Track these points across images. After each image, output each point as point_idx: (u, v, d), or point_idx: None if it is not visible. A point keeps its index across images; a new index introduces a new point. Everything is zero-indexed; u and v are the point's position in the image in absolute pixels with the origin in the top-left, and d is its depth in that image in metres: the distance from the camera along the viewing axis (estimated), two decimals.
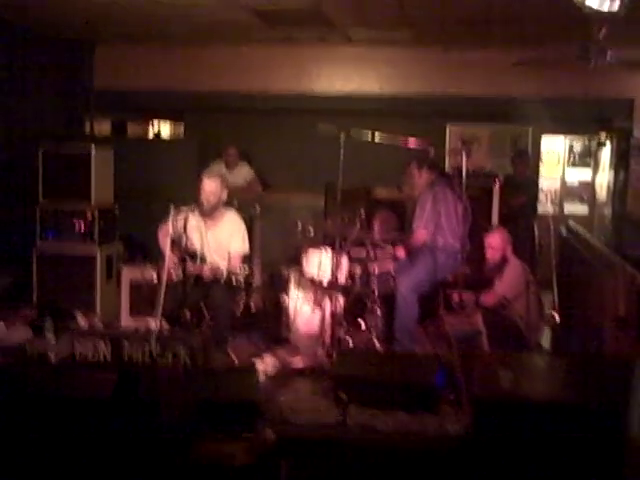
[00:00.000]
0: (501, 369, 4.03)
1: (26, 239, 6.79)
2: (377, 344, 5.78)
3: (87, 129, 8.79)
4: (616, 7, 4.25)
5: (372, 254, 5.94)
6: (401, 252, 6.14)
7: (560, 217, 9.47)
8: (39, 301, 6.56)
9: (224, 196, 5.76)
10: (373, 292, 5.88)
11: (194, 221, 5.61)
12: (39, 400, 3.98)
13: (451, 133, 8.80)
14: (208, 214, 5.69)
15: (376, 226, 6.41)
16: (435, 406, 4.71)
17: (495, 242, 5.73)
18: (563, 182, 10.68)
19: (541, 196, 9.97)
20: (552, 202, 10.57)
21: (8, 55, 7.16)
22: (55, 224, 6.67)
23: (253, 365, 5.24)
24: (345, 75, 8.45)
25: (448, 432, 4.48)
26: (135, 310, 6.51)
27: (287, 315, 6.18)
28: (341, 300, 5.94)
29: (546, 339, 5.57)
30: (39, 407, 3.95)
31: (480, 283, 5.81)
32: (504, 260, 5.70)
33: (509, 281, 5.64)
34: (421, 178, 6.08)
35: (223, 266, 5.42)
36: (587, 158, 10.38)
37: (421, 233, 5.92)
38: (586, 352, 5.17)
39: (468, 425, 4.35)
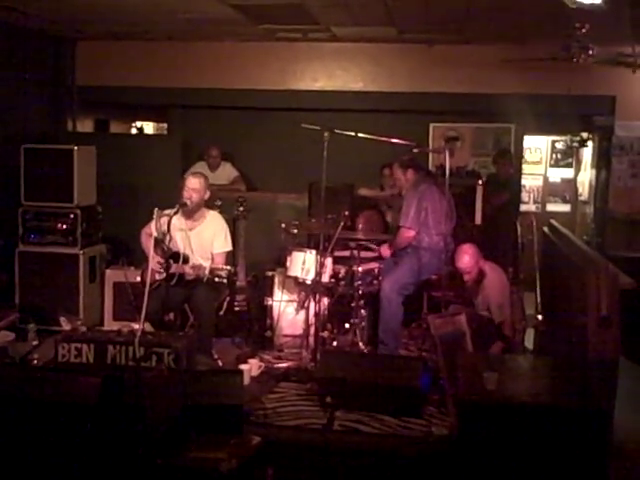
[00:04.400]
0: (485, 370, 4.04)
1: (8, 240, 6.72)
2: (362, 346, 5.79)
3: (70, 127, 8.73)
4: (599, 1, 4.27)
5: (356, 254, 5.93)
6: (386, 251, 6.15)
7: (542, 215, 9.53)
8: (22, 303, 6.50)
9: (207, 195, 5.74)
10: (357, 292, 5.87)
11: (177, 221, 5.58)
12: (21, 404, 3.95)
13: (434, 131, 8.81)
14: (191, 214, 5.66)
15: (360, 225, 6.41)
16: (420, 408, 4.73)
17: (467, 265, 5.67)
18: (545, 180, 10.74)
19: (524, 194, 10.03)
20: (535, 200, 10.63)
21: None
22: (37, 225, 6.60)
23: (238, 368, 5.23)
24: (329, 72, 8.46)
25: (433, 434, 4.50)
26: (119, 312, 6.48)
27: (271, 316, 6.19)
28: (325, 301, 5.94)
29: (529, 339, 5.59)
30: (21, 411, 3.92)
31: (463, 299, 5.83)
32: (481, 274, 5.69)
33: (490, 292, 5.65)
34: (406, 178, 6.07)
35: (206, 266, 5.40)
36: (569, 158, 10.44)
37: (407, 232, 5.91)
38: (569, 352, 5.19)
39: (453, 427, 4.37)
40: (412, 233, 5.89)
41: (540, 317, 5.19)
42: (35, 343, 5.95)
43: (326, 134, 5.56)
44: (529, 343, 5.60)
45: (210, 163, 8.09)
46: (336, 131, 5.63)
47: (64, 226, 6.58)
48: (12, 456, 3.80)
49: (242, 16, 6.76)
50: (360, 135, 5.80)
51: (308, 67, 8.46)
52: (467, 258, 5.66)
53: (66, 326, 6.26)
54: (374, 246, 6.27)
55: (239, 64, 8.45)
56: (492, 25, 6.99)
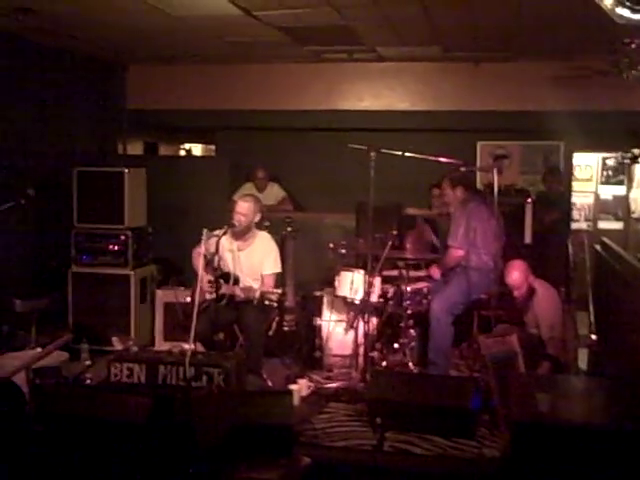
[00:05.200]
0: (538, 391, 3.98)
1: (61, 261, 6.85)
2: (411, 366, 5.75)
3: (120, 150, 8.89)
4: None
5: (405, 274, 5.90)
6: (436, 272, 6.10)
7: (594, 233, 9.38)
8: (74, 324, 6.60)
9: (258, 218, 5.78)
10: (406, 312, 5.84)
11: (227, 242, 5.64)
12: (74, 422, 4.01)
13: (482, 149, 8.76)
14: (240, 235, 5.71)
15: (408, 245, 6.37)
16: (471, 429, 4.67)
17: (516, 281, 5.60)
18: (597, 198, 10.58)
19: (575, 212, 9.89)
20: (586, 218, 10.47)
21: (42, 78, 7.28)
22: (89, 247, 6.71)
23: (287, 388, 5.23)
24: (375, 92, 8.49)
25: (485, 455, 4.43)
26: (169, 333, 6.54)
27: (320, 337, 6.18)
28: (374, 321, 5.91)
29: (583, 359, 5.49)
30: (74, 430, 3.98)
31: (513, 318, 5.75)
32: (531, 291, 5.61)
33: (541, 310, 5.56)
34: (455, 196, 6.03)
35: (256, 287, 5.43)
36: (621, 174, 10.27)
37: (456, 252, 5.86)
38: (624, 372, 5.08)
39: (505, 448, 4.30)
40: (461, 253, 5.84)
41: (594, 337, 5.09)
42: (88, 363, 6.03)
43: (372, 154, 5.57)
44: (583, 363, 5.49)
45: (257, 184, 8.17)
46: (382, 151, 5.63)
47: (115, 247, 6.68)
48: (64, 474, 3.84)
49: (288, 38, 6.84)
50: (407, 154, 5.79)
51: (354, 87, 8.51)
52: (517, 274, 5.60)
53: (118, 346, 6.34)
54: (422, 265, 6.23)
55: (285, 85, 8.53)
56: (539, 42, 6.95)
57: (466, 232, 5.81)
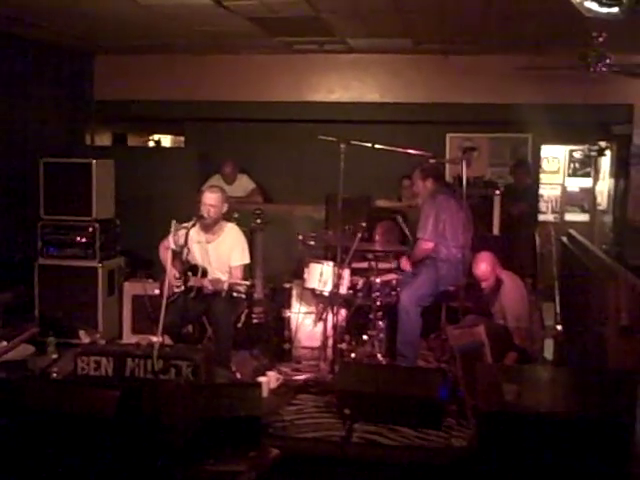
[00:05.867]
0: (504, 381, 4.01)
1: (27, 254, 6.77)
2: (380, 357, 5.77)
3: (88, 141, 8.80)
4: (615, 10, 4.24)
5: (374, 266, 5.92)
6: (406, 264, 6.09)
7: (561, 225, 9.48)
8: (41, 317, 6.52)
9: (225, 209, 5.75)
10: (375, 304, 5.86)
11: (195, 234, 5.61)
12: (41, 416, 3.97)
13: (451, 142, 8.80)
14: (209, 227, 5.68)
15: (377, 237, 6.39)
16: (439, 420, 4.70)
17: (484, 273, 5.59)
18: (564, 190, 10.68)
19: (542, 204, 9.98)
20: (553, 210, 10.57)
21: (8, 66, 7.18)
22: (56, 238, 6.63)
23: (256, 380, 5.23)
24: (345, 84, 8.49)
25: (452, 445, 4.47)
26: (137, 325, 6.50)
27: (289, 329, 6.18)
28: (343, 313, 5.93)
29: (549, 349, 5.55)
30: (41, 424, 3.94)
31: (481, 310, 5.79)
32: (498, 283, 5.64)
33: (507, 301, 5.60)
34: (425, 187, 6.05)
35: (224, 279, 5.41)
36: (587, 167, 10.38)
37: (425, 244, 5.87)
38: (589, 362, 5.15)
39: (472, 438, 4.34)
40: (430, 245, 5.86)
41: (559, 327, 5.16)
42: (54, 356, 5.97)
43: (342, 145, 5.57)
44: (548, 354, 5.56)
45: (225, 179, 8.11)
46: (352, 142, 5.64)
47: (83, 239, 6.61)
48: (31, 468, 3.81)
49: (259, 29, 6.81)
50: (377, 146, 5.80)
51: (324, 79, 8.50)
52: (484, 265, 5.63)
53: (85, 339, 6.29)
54: (392, 257, 6.24)
55: (255, 76, 8.50)
56: (508, 35, 6.99)
57: (435, 224, 5.83)
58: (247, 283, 5.43)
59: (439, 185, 6.13)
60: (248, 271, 5.91)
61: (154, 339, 4.91)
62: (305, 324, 6.18)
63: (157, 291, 5.58)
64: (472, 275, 5.68)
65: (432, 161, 6.35)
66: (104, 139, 9.94)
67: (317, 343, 6.03)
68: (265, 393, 5.04)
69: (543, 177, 10.00)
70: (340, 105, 8.46)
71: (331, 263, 5.82)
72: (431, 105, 8.30)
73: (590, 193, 10.13)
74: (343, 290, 5.80)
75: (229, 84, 8.54)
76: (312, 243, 6.31)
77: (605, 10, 4.29)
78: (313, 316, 6.19)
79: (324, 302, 6.00)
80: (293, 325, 6.19)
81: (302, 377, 5.68)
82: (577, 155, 10.53)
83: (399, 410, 4.71)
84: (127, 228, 7.05)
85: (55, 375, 5.52)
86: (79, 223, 6.62)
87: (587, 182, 10.45)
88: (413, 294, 5.79)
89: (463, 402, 4.85)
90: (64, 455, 3.83)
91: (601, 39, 5.77)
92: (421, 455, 4.40)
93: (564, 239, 6.89)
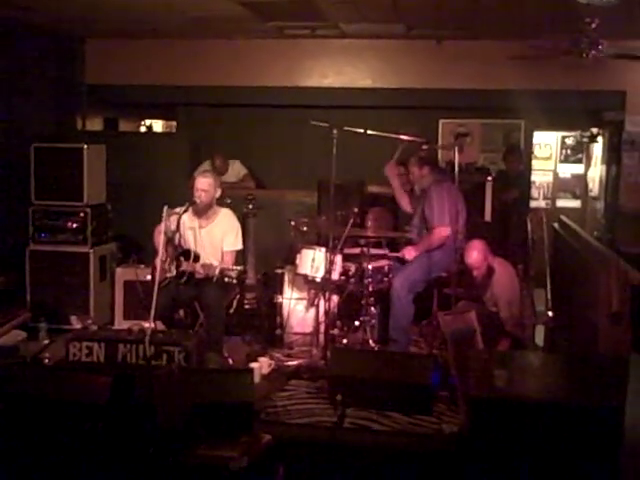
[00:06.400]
0: (495, 367, 4.03)
1: (19, 239, 6.74)
2: (372, 343, 5.79)
3: (79, 126, 8.75)
4: None
5: (366, 251, 5.91)
6: (411, 253, 5.92)
7: (553, 211, 9.51)
8: (32, 302, 6.52)
9: (218, 194, 5.74)
10: (367, 290, 5.86)
11: (188, 219, 5.60)
12: (33, 402, 3.97)
13: (443, 127, 8.80)
14: (202, 212, 5.67)
15: (370, 223, 6.39)
16: (430, 405, 4.72)
17: (475, 261, 5.60)
18: (555, 176, 10.71)
19: (533, 191, 10.00)
20: (545, 196, 10.60)
21: None
22: (48, 224, 6.61)
23: (248, 366, 5.24)
24: (337, 69, 8.45)
25: (444, 431, 4.49)
26: (129, 311, 6.49)
27: (281, 314, 6.19)
28: (335, 299, 5.93)
29: (540, 336, 5.57)
30: (33, 409, 3.95)
31: (473, 296, 5.80)
32: (490, 271, 5.65)
33: (499, 288, 5.61)
34: (421, 176, 6.02)
35: (216, 264, 5.40)
36: (579, 153, 10.41)
37: (445, 231, 5.76)
38: (580, 349, 5.18)
39: (463, 424, 4.36)
40: (448, 231, 5.75)
41: (550, 313, 5.18)
42: (46, 342, 5.97)
43: (335, 131, 5.55)
44: (539, 340, 5.58)
45: (217, 169, 7.95)
46: (345, 128, 5.62)
47: (74, 225, 6.59)
48: (23, 454, 3.82)
49: (250, 13, 6.76)
50: (369, 132, 5.79)
51: (316, 64, 8.46)
52: (476, 254, 5.64)
53: (77, 325, 6.29)
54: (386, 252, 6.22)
55: (247, 61, 8.44)
56: (501, 21, 6.97)
57: (450, 210, 5.77)
58: (239, 268, 5.42)
59: (437, 172, 6.11)
60: (240, 257, 5.90)
61: (146, 325, 4.91)
62: (297, 310, 6.19)
63: (149, 277, 5.56)
64: (464, 262, 5.69)
65: (425, 147, 6.34)
66: (95, 124, 9.90)
67: (309, 329, 6.05)
68: (257, 379, 5.05)
69: (535, 163, 10.03)
70: (332, 90, 8.43)
71: (323, 249, 5.82)
72: (424, 91, 8.27)
73: (582, 179, 10.18)
74: (335, 276, 5.81)
75: (221, 69, 8.49)
76: (304, 229, 6.30)
77: None
78: (305, 302, 6.20)
79: (316, 288, 6.00)
80: (285, 311, 6.19)
81: (294, 363, 5.70)
82: (569, 141, 10.56)
83: (391, 396, 4.73)
84: (119, 213, 7.04)
85: (47, 361, 5.52)
86: (70, 208, 6.61)
87: (579, 168, 10.49)
88: (405, 280, 5.79)
89: (454, 388, 4.87)
90: (56, 441, 3.84)
91: (594, 25, 5.76)
92: (412, 441, 4.42)
93: (556, 225, 6.92)
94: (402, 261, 6.00)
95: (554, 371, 4.43)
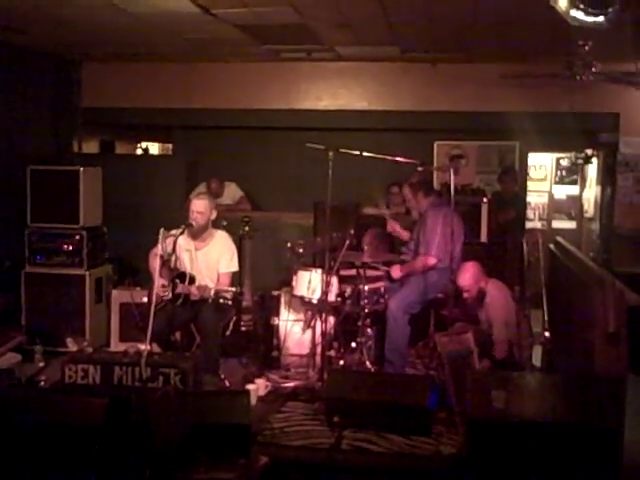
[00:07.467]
0: (493, 388, 4.03)
1: (14, 261, 6.73)
2: (368, 364, 5.77)
3: (75, 148, 8.78)
4: (601, 19, 4.27)
5: (362, 273, 5.91)
6: (397, 272, 5.96)
7: (548, 232, 9.53)
8: (28, 325, 6.49)
9: (214, 216, 5.75)
10: (364, 311, 5.85)
11: (183, 242, 5.60)
12: (28, 425, 3.95)
13: (439, 149, 8.84)
14: (198, 234, 5.68)
15: (365, 245, 6.39)
16: (428, 427, 4.70)
17: (466, 284, 5.61)
18: (551, 197, 10.74)
19: (529, 212, 10.04)
20: (540, 217, 10.63)
21: None
22: (43, 246, 6.61)
23: (245, 388, 5.22)
24: (333, 91, 8.49)
25: (441, 452, 4.47)
26: (125, 333, 6.47)
27: (278, 336, 6.18)
28: (331, 320, 5.92)
29: (537, 356, 5.57)
30: (28, 433, 3.92)
31: (469, 317, 5.79)
32: (481, 294, 5.65)
33: (492, 311, 5.60)
34: (417, 202, 6.02)
35: (212, 287, 5.39)
36: (574, 174, 10.46)
37: (430, 260, 5.76)
38: (577, 369, 5.17)
39: (461, 445, 4.35)
40: (434, 262, 5.75)
41: (547, 334, 5.17)
42: (42, 365, 5.95)
43: (330, 153, 5.57)
44: (537, 360, 5.57)
45: (212, 192, 7.91)
46: (341, 150, 5.64)
47: (70, 247, 6.59)
48: (19, 477, 3.79)
49: (246, 36, 6.81)
50: (365, 154, 5.81)
51: (312, 86, 8.50)
52: (467, 276, 5.63)
53: (72, 347, 6.27)
54: (380, 265, 6.22)
55: (243, 84, 8.49)
56: (495, 43, 7.03)
57: (442, 240, 5.73)
58: (233, 289, 5.42)
59: (434, 197, 6.10)
60: (237, 279, 5.90)
61: (142, 347, 4.90)
62: (294, 331, 6.19)
63: (145, 299, 5.55)
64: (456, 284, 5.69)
65: (420, 169, 6.35)
66: (91, 147, 9.92)
67: (306, 350, 6.03)
68: (254, 401, 5.05)
69: (530, 184, 10.06)
70: (328, 113, 8.47)
71: (319, 270, 5.82)
72: (419, 113, 8.31)
73: (577, 200, 10.21)
74: (331, 297, 5.80)
75: (217, 92, 8.53)
76: (300, 250, 6.31)
77: (591, 19, 4.33)
78: (302, 323, 6.19)
79: (312, 309, 6.00)
80: (282, 332, 6.18)
81: (291, 384, 5.68)
82: (564, 163, 10.61)
83: (388, 417, 4.71)
84: (115, 236, 7.04)
85: (42, 383, 5.50)
86: (66, 231, 6.61)
87: (574, 190, 10.54)
88: (401, 302, 5.78)
89: (452, 409, 4.85)
90: (52, 464, 3.81)
91: (587, 47, 5.80)
92: (410, 462, 4.40)
93: (551, 246, 6.93)
94: (394, 280, 6.02)
95: (552, 392, 4.42)
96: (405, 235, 6.33)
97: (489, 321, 5.63)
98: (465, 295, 5.64)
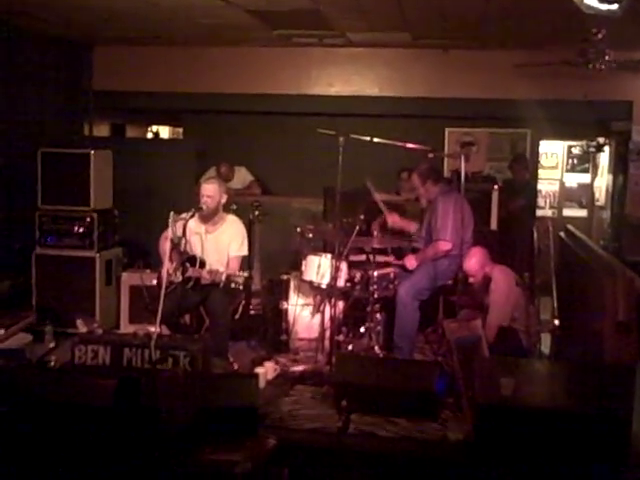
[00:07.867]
0: (501, 375, 4.03)
1: (25, 243, 6.76)
2: (377, 349, 5.78)
3: (86, 131, 8.79)
4: (615, 7, 4.24)
5: (372, 259, 5.91)
6: (412, 262, 5.92)
7: (559, 220, 9.51)
8: (38, 306, 6.52)
9: (224, 200, 5.75)
10: (373, 297, 5.85)
11: (194, 225, 5.61)
12: (38, 405, 3.98)
13: (450, 136, 8.81)
14: (208, 218, 5.68)
15: (375, 231, 6.39)
16: (436, 412, 4.72)
17: (472, 268, 5.61)
18: (562, 185, 10.70)
19: (540, 199, 10.01)
20: (551, 205, 10.60)
21: (7, 57, 7.17)
22: (54, 228, 6.63)
23: (253, 371, 5.24)
24: (344, 77, 8.48)
25: (449, 438, 4.48)
26: (135, 315, 6.50)
27: (287, 320, 6.19)
28: (340, 305, 5.93)
29: (546, 344, 5.57)
30: (38, 412, 3.95)
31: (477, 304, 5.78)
32: (487, 279, 5.64)
33: (493, 296, 5.59)
34: (427, 190, 6.00)
35: (222, 270, 5.41)
36: (586, 163, 10.41)
37: (446, 245, 5.76)
38: (586, 357, 5.17)
39: (469, 431, 4.36)
40: (450, 246, 5.75)
41: (557, 322, 5.17)
42: (52, 345, 5.98)
43: (341, 139, 5.55)
44: (545, 348, 5.57)
45: (222, 177, 7.87)
46: (351, 136, 5.62)
47: (81, 229, 6.60)
48: (29, 457, 3.82)
49: (258, 21, 6.80)
50: (375, 140, 5.79)
51: (323, 72, 8.49)
52: (473, 261, 5.63)
53: (82, 328, 6.28)
54: (392, 259, 6.20)
55: (254, 69, 8.48)
56: (508, 30, 6.99)
57: (454, 224, 5.74)
58: (245, 274, 5.42)
59: (441, 183, 6.09)
60: (246, 263, 5.91)
61: (152, 329, 4.92)
62: (302, 316, 6.20)
63: (155, 281, 5.57)
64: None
65: (430, 155, 6.33)
66: (102, 130, 9.94)
67: (314, 335, 6.03)
68: (262, 384, 5.06)
69: (541, 172, 10.04)
70: (339, 98, 8.46)
71: (329, 255, 5.82)
72: (430, 99, 8.30)
73: (588, 189, 10.16)
74: (341, 283, 5.80)
75: (228, 76, 8.53)
76: (310, 235, 6.30)
77: (605, 7, 4.30)
78: (310, 308, 6.19)
79: (322, 294, 6.00)
80: (290, 317, 6.19)
81: (299, 368, 5.68)
82: (575, 151, 10.56)
83: (396, 402, 4.71)
84: (125, 218, 7.06)
85: (52, 364, 5.52)
86: (77, 213, 6.61)
87: (585, 178, 10.49)
88: (411, 288, 5.78)
89: (460, 395, 4.86)
90: (61, 444, 3.84)
91: (600, 36, 5.77)
92: (417, 447, 4.41)
93: (562, 234, 6.91)
94: (406, 269, 6.00)
95: (560, 379, 4.43)
96: (412, 226, 6.30)
97: (497, 304, 5.63)
98: (471, 280, 5.64)
